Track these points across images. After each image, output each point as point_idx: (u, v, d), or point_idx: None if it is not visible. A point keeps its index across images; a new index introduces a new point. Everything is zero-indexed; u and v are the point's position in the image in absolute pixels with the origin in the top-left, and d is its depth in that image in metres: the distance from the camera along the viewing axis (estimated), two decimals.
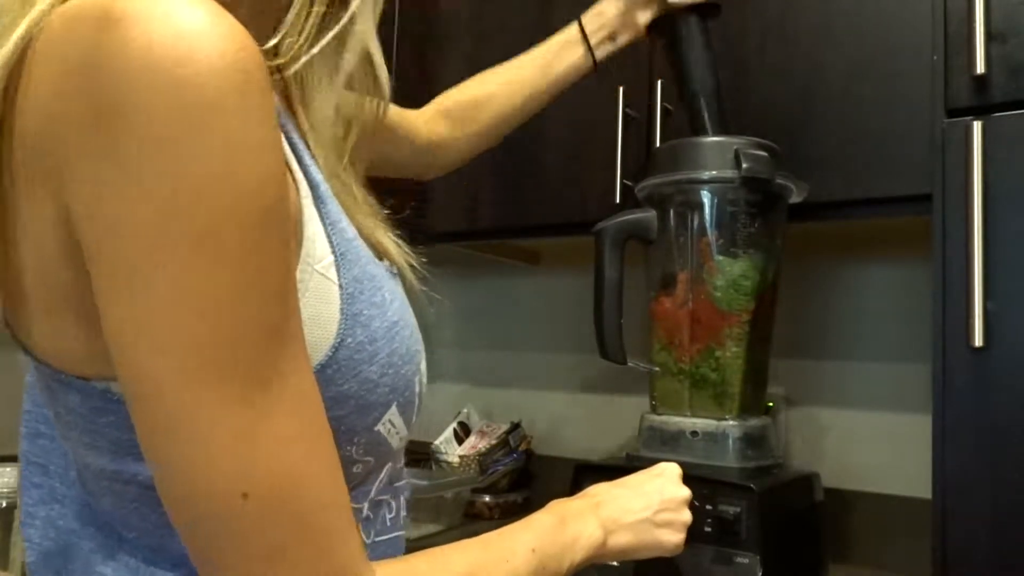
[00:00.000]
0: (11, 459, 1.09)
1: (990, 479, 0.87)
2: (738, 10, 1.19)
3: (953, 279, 0.90)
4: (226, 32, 0.39)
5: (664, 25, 1.07)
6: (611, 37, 1.06)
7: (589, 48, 1.04)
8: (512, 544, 0.58)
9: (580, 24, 1.05)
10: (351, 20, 0.52)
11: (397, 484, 0.60)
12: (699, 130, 1.09)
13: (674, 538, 0.74)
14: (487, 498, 1.53)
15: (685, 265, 1.10)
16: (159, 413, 0.40)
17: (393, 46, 1.55)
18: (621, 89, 1.26)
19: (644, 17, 1.06)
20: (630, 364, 1.12)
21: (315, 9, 0.50)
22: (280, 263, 0.42)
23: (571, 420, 1.66)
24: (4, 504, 1.01)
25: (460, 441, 1.61)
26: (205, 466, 0.40)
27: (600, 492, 0.72)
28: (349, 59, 0.54)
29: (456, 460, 1.55)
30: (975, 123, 0.89)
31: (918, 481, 1.22)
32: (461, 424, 1.65)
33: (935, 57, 0.95)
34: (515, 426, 1.63)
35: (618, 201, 1.25)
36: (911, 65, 1.06)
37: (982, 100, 0.92)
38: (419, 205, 1.46)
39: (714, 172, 1.07)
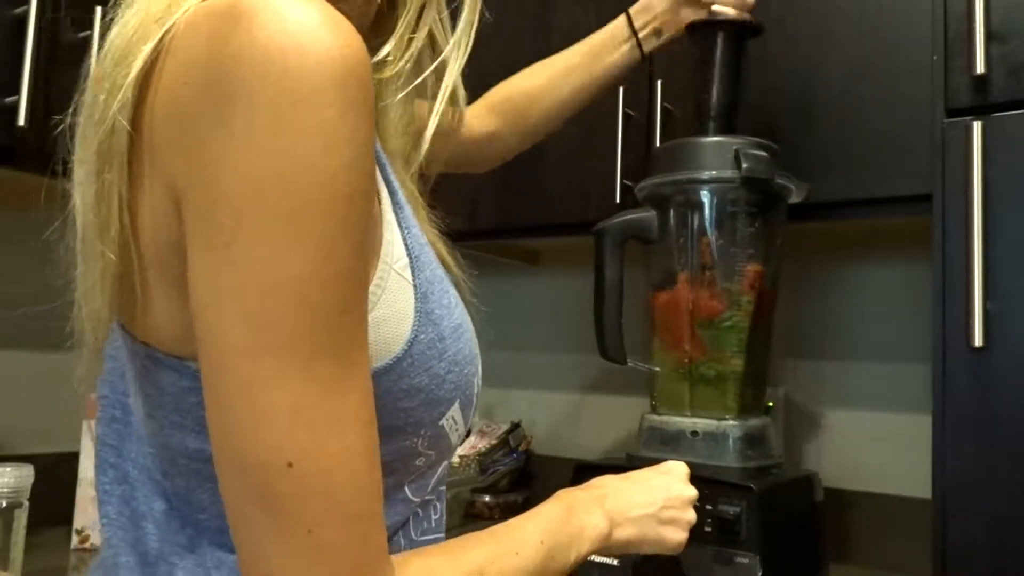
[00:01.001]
0: (11, 459, 1.09)
1: (990, 479, 0.87)
2: None
3: (953, 279, 0.90)
4: (334, 30, 0.43)
5: (702, 30, 1.08)
6: (657, 32, 1.08)
7: (638, 41, 1.06)
8: (521, 536, 0.58)
9: (628, 17, 1.07)
10: (444, 59, 0.59)
11: (441, 487, 0.62)
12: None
13: (677, 536, 0.74)
14: (487, 498, 1.53)
15: (685, 265, 1.10)
16: (226, 378, 0.42)
17: None
18: (621, 89, 1.26)
19: (688, 16, 1.08)
20: (630, 364, 1.12)
21: (419, 35, 0.56)
22: (357, 251, 0.44)
23: (571, 420, 1.66)
24: (4, 504, 1.01)
25: (461, 440, 1.61)
26: (257, 432, 0.42)
27: (606, 484, 0.72)
28: (430, 81, 0.60)
29: (456, 460, 1.55)
30: (975, 123, 0.89)
31: (918, 481, 1.22)
32: None
33: (935, 57, 0.95)
34: (515, 426, 1.63)
35: (618, 201, 1.25)
36: (911, 65, 1.06)
37: (982, 100, 0.92)
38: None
39: (714, 172, 1.07)
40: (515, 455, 1.59)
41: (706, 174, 1.08)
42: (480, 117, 1.01)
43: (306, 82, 0.41)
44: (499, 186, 1.42)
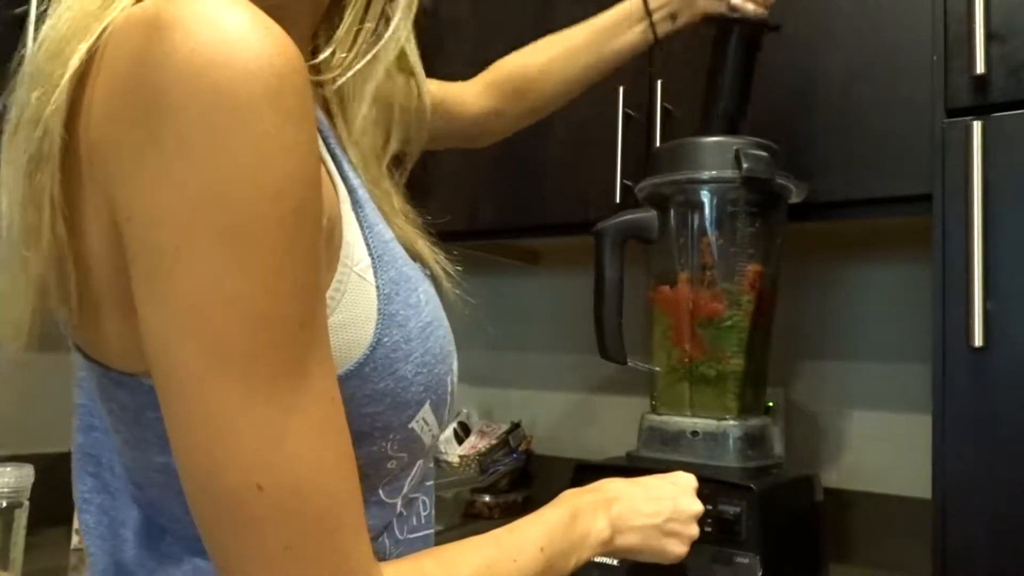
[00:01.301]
0: (11, 459, 1.09)
1: (990, 479, 0.87)
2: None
3: (953, 279, 0.90)
4: (265, 38, 0.41)
5: (720, 24, 1.07)
6: (672, 16, 1.06)
7: (651, 23, 1.04)
8: (521, 542, 0.58)
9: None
10: (393, 33, 0.55)
11: (427, 483, 0.62)
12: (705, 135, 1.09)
13: (678, 549, 0.74)
14: (487, 498, 1.53)
15: (685, 265, 1.10)
16: (184, 402, 0.41)
17: None
18: (621, 89, 1.26)
19: (705, 4, 1.06)
20: (630, 364, 1.12)
21: (366, 26, 0.53)
22: (309, 263, 0.43)
23: (571, 420, 1.66)
24: (4, 504, 1.01)
25: (460, 441, 1.61)
26: (224, 457, 0.41)
27: (613, 489, 0.71)
28: (383, 70, 0.57)
29: (456, 460, 1.55)
30: (975, 123, 0.89)
31: (918, 481, 1.22)
32: (461, 424, 1.65)
33: (935, 57, 0.95)
34: (515, 426, 1.63)
35: (618, 201, 1.25)
36: (911, 65, 1.06)
37: (982, 100, 0.92)
38: (419, 205, 1.45)
39: (714, 172, 1.07)
40: (515, 455, 1.59)
41: (706, 174, 1.08)
42: (480, 94, 0.99)
43: (237, 95, 0.39)
44: (499, 186, 1.42)
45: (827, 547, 1.17)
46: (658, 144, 1.22)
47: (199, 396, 0.40)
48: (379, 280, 0.51)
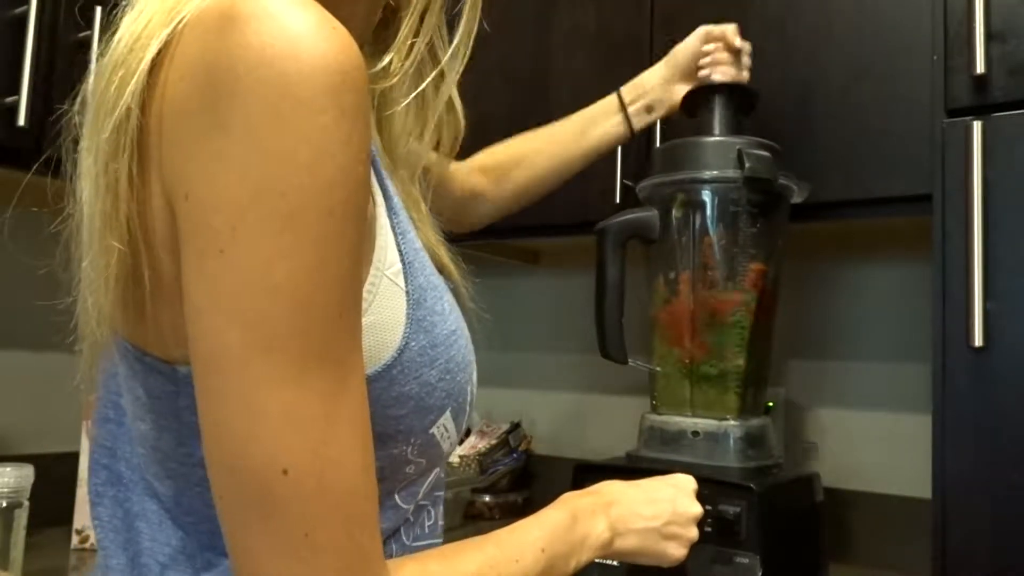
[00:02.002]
0: (11, 459, 1.09)
1: (990, 479, 0.87)
2: (738, 10, 1.19)
3: (953, 279, 0.90)
4: (330, 36, 0.43)
5: (699, 96, 1.10)
6: (648, 109, 1.10)
7: (626, 117, 1.08)
8: (523, 543, 0.58)
9: (619, 94, 1.09)
10: (456, 49, 0.60)
11: (437, 493, 0.62)
12: None
13: (677, 552, 0.74)
14: (487, 498, 1.53)
15: (687, 265, 1.10)
16: (220, 382, 0.42)
17: None
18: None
19: (680, 92, 1.10)
20: (631, 363, 1.12)
21: (420, 42, 0.57)
22: (352, 254, 0.44)
23: (571, 420, 1.66)
24: (4, 504, 1.01)
25: (460, 441, 1.61)
26: (252, 437, 0.41)
27: (613, 492, 0.72)
28: (430, 90, 0.60)
29: (456, 460, 1.55)
30: (975, 123, 0.89)
31: (918, 481, 1.22)
32: None
33: (935, 57, 0.95)
34: (515, 426, 1.63)
35: (618, 201, 1.25)
36: (911, 65, 1.06)
37: (982, 100, 0.92)
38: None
39: (715, 172, 1.07)
40: (515, 455, 1.59)
41: (708, 174, 1.08)
42: (466, 174, 1.01)
43: (301, 87, 0.41)
44: None
45: (827, 547, 1.17)
46: (658, 144, 1.22)
47: (236, 376, 0.41)
48: (409, 285, 0.53)
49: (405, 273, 0.53)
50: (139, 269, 0.47)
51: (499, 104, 1.43)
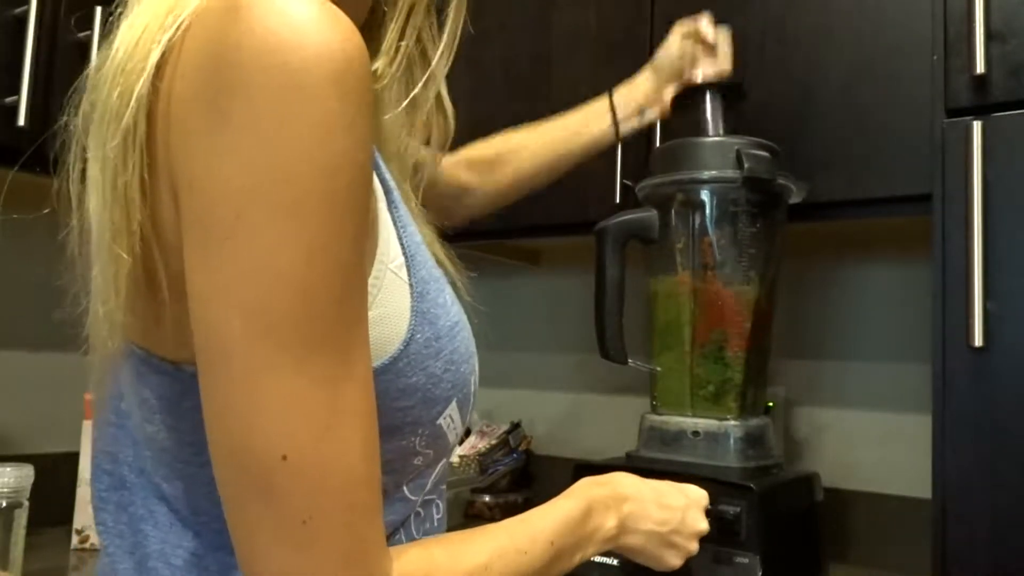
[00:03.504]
0: (11, 459, 1.09)
1: (990, 479, 0.87)
2: (738, 10, 1.19)
3: (953, 279, 0.90)
4: (333, 25, 0.43)
5: (689, 97, 1.11)
6: (640, 112, 1.10)
7: (615, 120, 1.08)
8: (533, 533, 0.58)
9: (611, 97, 1.09)
10: (432, 62, 0.60)
11: (442, 486, 0.62)
12: None
13: (674, 561, 0.76)
14: (487, 498, 1.53)
15: (686, 265, 1.10)
16: (223, 369, 0.42)
17: None
18: None
19: (671, 93, 1.11)
20: (631, 364, 1.12)
21: (405, 41, 0.57)
22: (357, 242, 0.45)
23: (571, 420, 1.66)
24: (4, 504, 1.01)
25: (460, 441, 1.61)
26: (254, 423, 0.42)
27: (627, 487, 0.72)
28: (419, 89, 0.60)
29: (456, 460, 1.55)
30: (975, 123, 0.89)
31: (918, 481, 1.22)
32: None
33: (935, 57, 0.95)
34: (515, 426, 1.63)
35: (618, 201, 1.25)
36: (911, 65, 1.06)
37: (982, 100, 0.92)
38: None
39: (714, 172, 1.07)
40: (515, 455, 1.59)
41: (706, 174, 1.08)
42: (453, 168, 1.01)
43: (305, 75, 0.41)
44: None
45: (827, 547, 1.17)
46: (658, 144, 1.22)
47: (239, 362, 0.42)
48: (412, 278, 0.53)
49: (408, 266, 0.54)
50: (154, 274, 0.47)
51: (499, 104, 1.43)
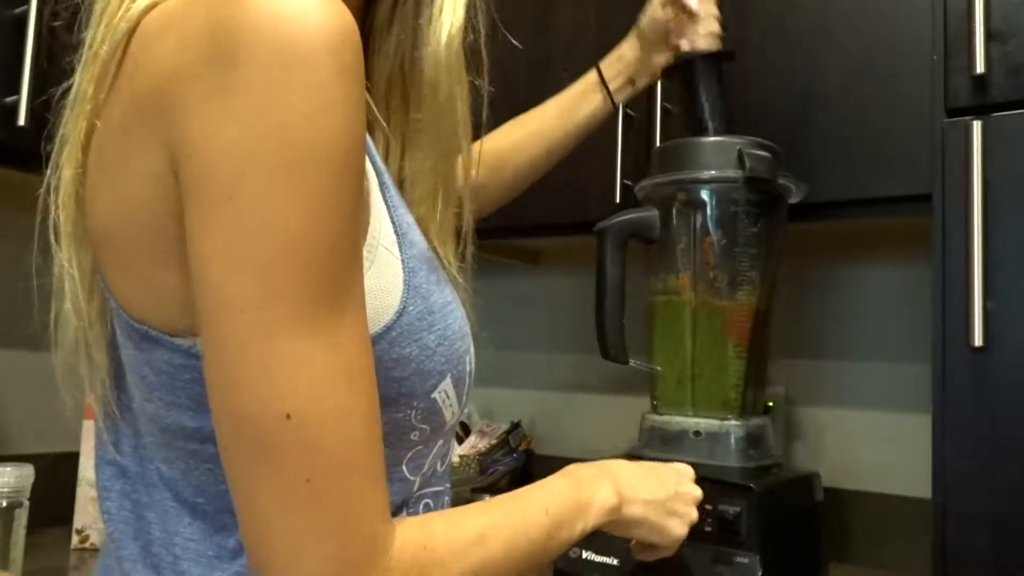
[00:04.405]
0: (11, 459, 1.09)
1: (990, 479, 0.87)
2: (738, 10, 1.19)
3: (953, 279, 0.90)
4: (329, 1, 0.44)
5: (679, 69, 1.09)
6: (631, 81, 1.09)
7: (608, 93, 1.07)
8: (526, 505, 0.59)
9: (599, 69, 1.07)
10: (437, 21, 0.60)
11: (446, 482, 0.64)
12: None
13: (680, 530, 0.75)
14: (487, 498, 1.52)
15: (686, 264, 1.10)
16: (225, 330, 0.43)
17: None
18: None
19: (661, 60, 1.09)
20: (632, 363, 1.11)
21: (395, 28, 0.59)
22: (351, 209, 0.46)
23: (571, 420, 1.66)
24: (4, 504, 1.01)
25: (460, 441, 1.61)
26: (257, 383, 0.42)
27: (616, 465, 0.72)
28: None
29: (456, 460, 1.55)
30: (975, 123, 0.89)
31: (918, 481, 1.21)
32: (461, 424, 1.65)
33: (935, 57, 0.95)
34: (515, 426, 1.63)
35: (618, 201, 1.25)
36: (911, 65, 1.06)
37: (982, 100, 0.92)
38: None
39: (715, 172, 1.07)
40: (515, 455, 1.59)
41: (707, 174, 1.07)
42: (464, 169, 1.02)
43: (303, 45, 0.43)
44: None
45: (827, 547, 1.17)
46: (658, 144, 1.22)
47: (243, 322, 0.42)
48: (404, 255, 0.54)
49: (399, 243, 0.55)
50: (115, 241, 0.49)
51: (499, 104, 1.42)
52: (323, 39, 0.43)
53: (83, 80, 0.50)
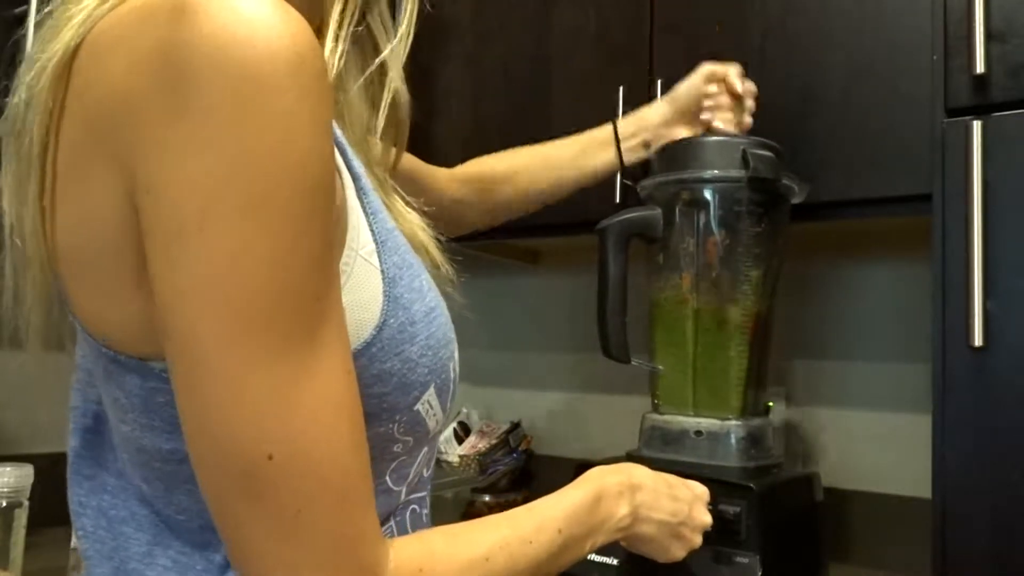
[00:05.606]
0: (11, 459, 1.09)
1: (990, 479, 0.87)
2: (738, 10, 1.19)
3: (953, 279, 0.90)
4: (284, 19, 0.43)
5: None
6: (645, 145, 1.09)
7: (619, 151, 1.07)
8: (540, 522, 0.58)
9: (615, 127, 1.08)
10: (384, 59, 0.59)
11: (424, 491, 0.62)
12: None
13: (679, 553, 0.76)
14: (487, 498, 1.53)
15: (688, 264, 1.10)
16: (198, 370, 0.42)
17: None
18: (621, 89, 1.26)
19: (683, 132, 1.09)
20: (634, 363, 1.11)
21: (344, 32, 0.56)
22: (323, 235, 0.44)
23: (571, 420, 1.66)
24: (4, 504, 1.01)
25: (460, 441, 1.61)
26: (235, 424, 0.41)
27: (640, 476, 0.72)
28: (376, 79, 0.60)
29: (456, 460, 1.55)
30: (975, 123, 0.89)
31: (918, 481, 1.22)
32: (461, 424, 1.65)
33: (935, 57, 0.95)
34: (515, 426, 1.63)
35: (618, 200, 1.25)
36: (911, 65, 1.06)
37: (982, 100, 0.91)
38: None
39: (717, 172, 1.07)
40: (515, 455, 1.59)
41: (709, 173, 1.07)
42: (453, 180, 1.01)
43: (261, 71, 0.41)
44: None
45: (827, 547, 1.17)
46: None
47: (217, 363, 0.41)
48: (384, 264, 0.53)
49: (379, 252, 0.53)
50: (77, 268, 0.47)
51: (499, 104, 1.43)
52: (281, 62, 0.41)
53: (36, 86, 0.47)
